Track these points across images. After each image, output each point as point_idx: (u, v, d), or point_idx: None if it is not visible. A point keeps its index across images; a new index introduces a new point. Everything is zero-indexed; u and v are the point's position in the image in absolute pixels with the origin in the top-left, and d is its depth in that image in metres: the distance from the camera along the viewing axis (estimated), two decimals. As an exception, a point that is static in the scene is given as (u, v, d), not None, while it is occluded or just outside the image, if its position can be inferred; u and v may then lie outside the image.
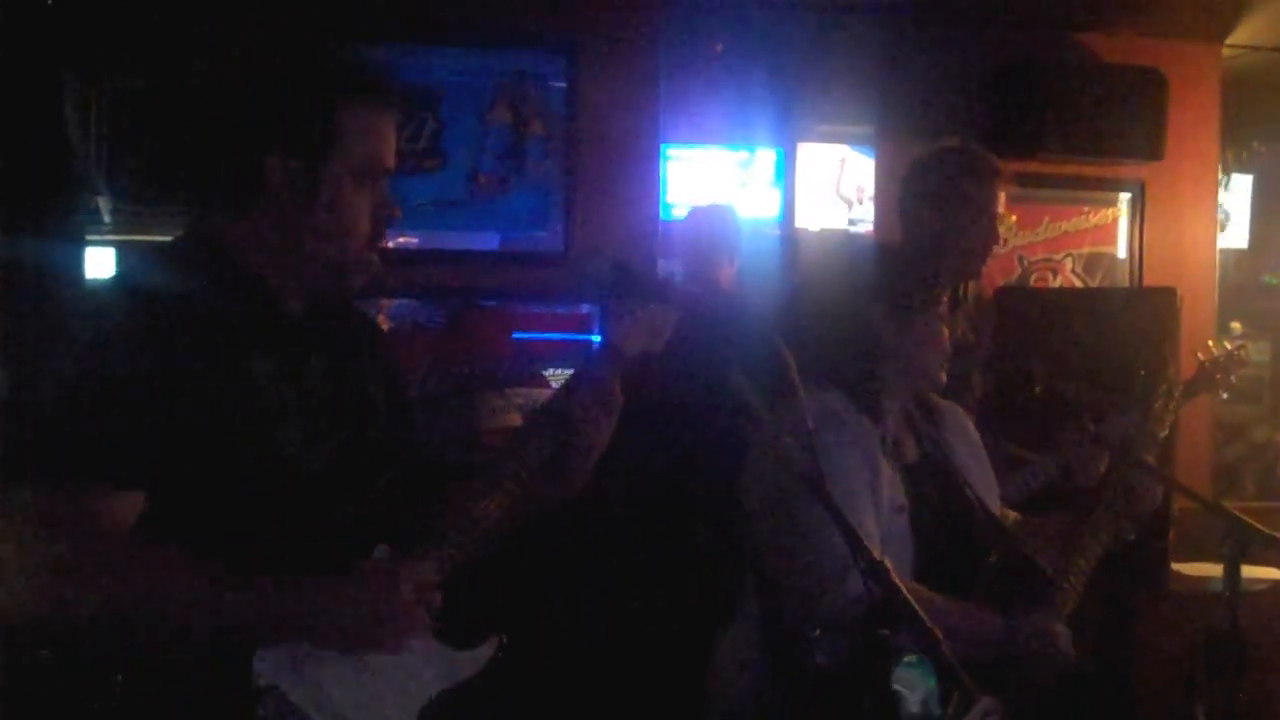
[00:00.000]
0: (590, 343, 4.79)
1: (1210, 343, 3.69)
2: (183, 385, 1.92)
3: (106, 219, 4.57)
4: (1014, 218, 5.06)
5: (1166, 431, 3.24)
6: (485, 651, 2.15)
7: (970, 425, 3.05)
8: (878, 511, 2.68)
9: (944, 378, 2.87)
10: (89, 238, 4.60)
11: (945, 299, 2.88)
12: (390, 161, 2.14)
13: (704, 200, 5.75)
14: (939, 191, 3.64)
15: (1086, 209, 5.63)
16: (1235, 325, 6.61)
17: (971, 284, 3.79)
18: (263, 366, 2.03)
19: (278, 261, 2.10)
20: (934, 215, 3.64)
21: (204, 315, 2.00)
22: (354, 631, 1.97)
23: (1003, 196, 3.63)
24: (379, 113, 2.11)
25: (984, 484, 2.95)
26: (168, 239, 2.19)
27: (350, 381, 2.20)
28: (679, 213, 6.20)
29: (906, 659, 2.10)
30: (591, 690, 4.29)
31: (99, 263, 4.72)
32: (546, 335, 4.82)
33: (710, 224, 5.11)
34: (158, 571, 1.88)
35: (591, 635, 4.37)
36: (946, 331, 2.84)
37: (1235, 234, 7.19)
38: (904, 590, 2.06)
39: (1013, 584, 2.78)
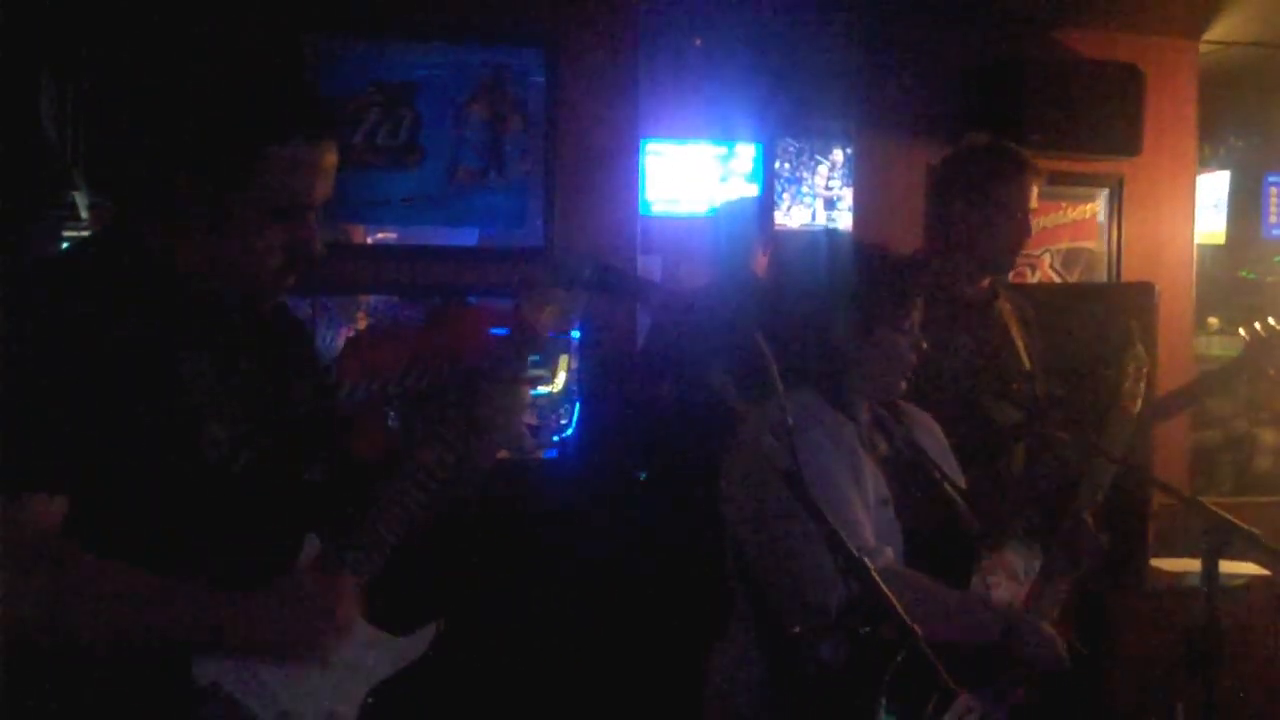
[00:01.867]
0: (570, 339, 4.80)
1: (1257, 323, 3.65)
2: (99, 384, 1.89)
3: (84, 214, 4.54)
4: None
5: (1138, 409, 3.23)
6: (424, 636, 2.16)
7: (934, 424, 3.07)
8: (864, 504, 2.69)
9: (902, 388, 2.88)
10: (66, 234, 4.58)
11: (918, 309, 2.88)
12: (318, 197, 2.04)
13: (727, 196, 5.76)
14: (972, 189, 3.61)
15: (1064, 204, 5.65)
16: (1213, 320, 6.64)
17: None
18: (182, 360, 2.00)
19: (189, 266, 2.04)
20: (968, 212, 3.60)
21: (119, 308, 1.96)
22: (286, 640, 1.98)
23: (1036, 191, 3.63)
24: (310, 149, 2.01)
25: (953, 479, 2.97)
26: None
27: (277, 379, 2.17)
28: (658, 208, 6.21)
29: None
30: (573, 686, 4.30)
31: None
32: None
33: (738, 217, 5.10)
34: (90, 577, 1.87)
35: (577, 636, 4.39)
36: (906, 343, 2.84)
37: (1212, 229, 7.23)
38: (883, 587, 2.06)
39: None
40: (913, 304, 2.85)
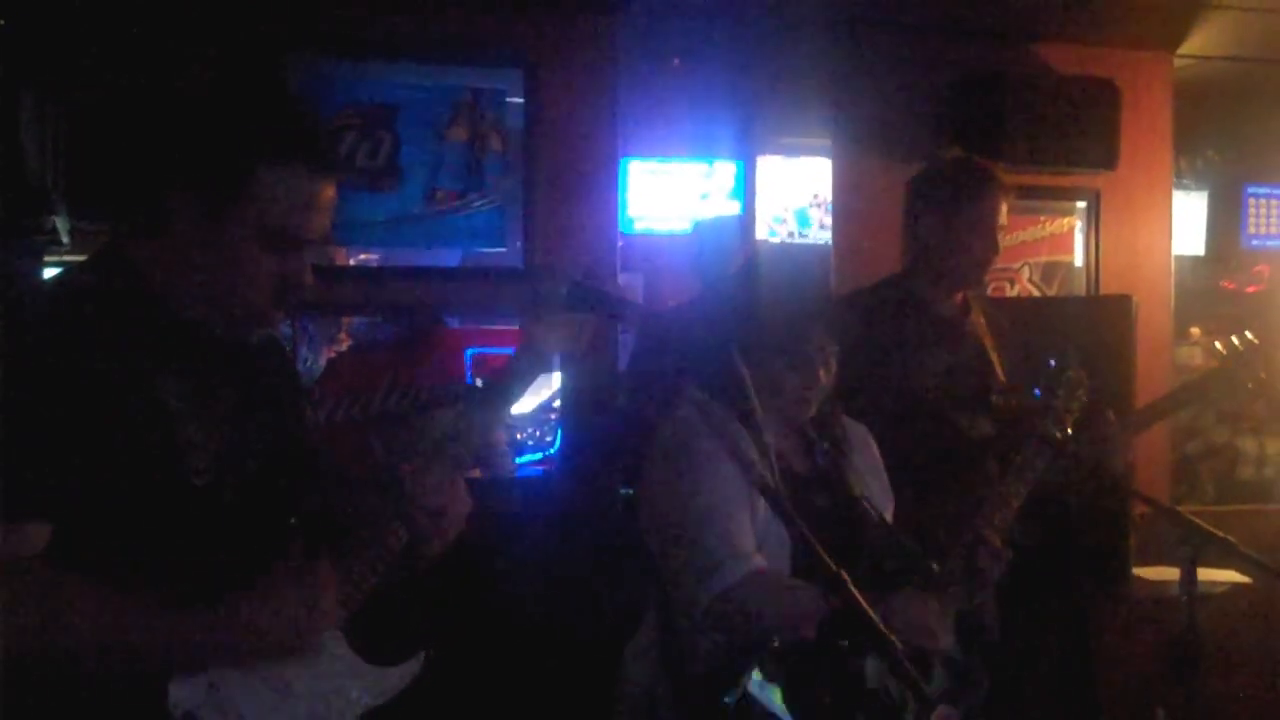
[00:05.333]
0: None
1: (1234, 337, 3.64)
2: (84, 411, 1.87)
3: (65, 239, 4.54)
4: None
5: (1070, 429, 3.17)
6: (411, 667, 2.16)
7: (871, 442, 3.11)
8: (754, 515, 2.77)
9: (808, 411, 2.93)
10: (48, 259, 4.58)
11: (821, 342, 2.91)
12: (313, 232, 2.03)
13: (707, 213, 5.78)
14: (942, 205, 3.63)
15: (1042, 218, 5.67)
16: (1194, 330, 6.68)
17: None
18: (168, 387, 1.98)
19: (178, 290, 2.03)
20: (937, 229, 3.63)
21: (107, 335, 1.94)
22: (272, 637, 1.97)
23: (1005, 207, 3.64)
24: (305, 180, 2.00)
25: (879, 497, 3.01)
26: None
27: (263, 404, 2.17)
28: (640, 226, 6.23)
29: None
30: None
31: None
32: (507, 351, 4.82)
33: (716, 236, 5.12)
34: (74, 599, 1.85)
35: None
36: (799, 376, 2.88)
37: (1192, 241, 7.30)
38: (861, 601, 2.07)
39: (894, 577, 2.82)
40: (809, 339, 2.88)
